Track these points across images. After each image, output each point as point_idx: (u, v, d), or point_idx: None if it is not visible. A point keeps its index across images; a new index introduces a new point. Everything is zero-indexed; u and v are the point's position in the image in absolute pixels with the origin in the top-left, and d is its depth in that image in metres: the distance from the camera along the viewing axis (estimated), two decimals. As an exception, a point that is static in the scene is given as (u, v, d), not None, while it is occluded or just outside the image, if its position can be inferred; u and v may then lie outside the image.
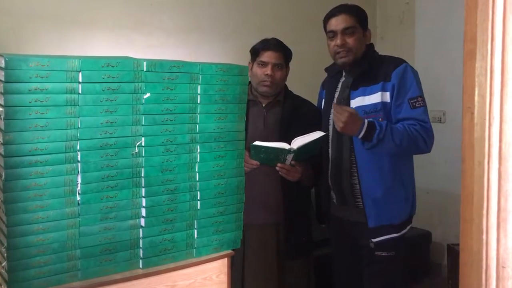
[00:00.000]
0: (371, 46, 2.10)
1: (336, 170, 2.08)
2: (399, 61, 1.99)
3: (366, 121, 1.88)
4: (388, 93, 1.95)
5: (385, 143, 1.87)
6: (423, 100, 1.95)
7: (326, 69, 2.24)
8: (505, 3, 0.81)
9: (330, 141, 2.10)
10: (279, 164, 1.96)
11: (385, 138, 1.87)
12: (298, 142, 1.90)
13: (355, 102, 2.00)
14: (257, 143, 1.89)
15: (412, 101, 1.92)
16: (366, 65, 2.01)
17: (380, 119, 1.94)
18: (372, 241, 2.01)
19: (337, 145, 2.07)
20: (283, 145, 1.91)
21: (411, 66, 2.00)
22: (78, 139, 1.23)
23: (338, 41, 2.00)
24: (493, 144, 0.82)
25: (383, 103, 1.95)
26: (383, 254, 2.01)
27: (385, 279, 2.06)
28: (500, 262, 0.82)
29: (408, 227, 2.08)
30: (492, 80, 0.83)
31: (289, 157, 1.93)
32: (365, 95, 1.98)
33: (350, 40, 2.00)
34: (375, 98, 1.96)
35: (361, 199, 2.01)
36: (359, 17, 2.03)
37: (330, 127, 2.10)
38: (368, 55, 2.06)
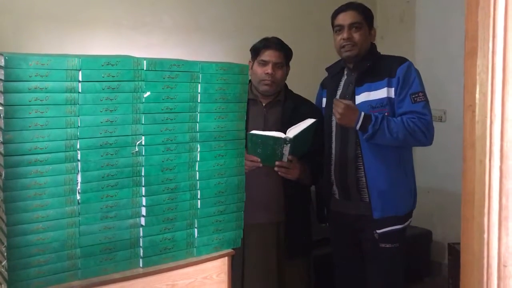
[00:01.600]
0: (374, 46, 2.17)
1: (341, 165, 2.10)
2: (403, 59, 2.07)
3: (362, 112, 1.96)
4: (393, 89, 2.02)
5: (381, 134, 1.94)
6: (424, 95, 2.01)
7: (327, 69, 2.26)
8: (507, 0, 0.81)
9: (333, 137, 2.13)
10: (277, 163, 1.98)
11: (380, 129, 1.94)
12: (293, 131, 1.94)
13: (360, 98, 2.04)
14: (254, 132, 1.90)
15: (413, 96, 1.99)
16: (371, 61, 2.06)
17: (386, 113, 2.00)
18: (376, 232, 2.04)
19: (341, 140, 2.10)
20: (279, 134, 1.94)
21: (413, 65, 2.07)
22: (78, 138, 1.23)
23: (344, 34, 2.06)
24: (494, 142, 0.82)
25: (389, 98, 2.01)
26: (388, 246, 2.05)
27: (390, 270, 2.10)
28: (502, 261, 0.82)
29: (410, 220, 2.13)
30: (493, 78, 0.82)
31: (286, 150, 1.94)
32: (370, 91, 2.04)
33: (356, 35, 2.06)
34: (381, 93, 2.02)
35: (366, 193, 2.05)
36: (366, 14, 2.11)
37: (333, 123, 2.13)
38: (372, 53, 2.12)
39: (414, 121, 1.95)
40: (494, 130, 0.82)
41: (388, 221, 2.04)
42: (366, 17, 2.09)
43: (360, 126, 1.95)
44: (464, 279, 0.88)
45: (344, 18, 2.07)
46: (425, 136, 1.97)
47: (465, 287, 0.87)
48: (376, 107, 2.01)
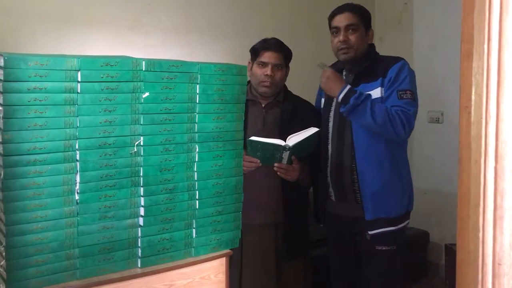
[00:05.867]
0: (373, 46, 2.16)
1: (337, 166, 2.10)
2: (398, 59, 2.06)
3: (349, 85, 1.96)
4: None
5: (361, 110, 1.92)
6: (413, 94, 1.99)
7: None
8: (502, 3, 0.82)
9: (330, 138, 2.12)
10: (276, 164, 1.98)
11: (362, 105, 1.92)
12: (293, 139, 1.94)
13: None
14: (253, 138, 1.91)
15: (400, 93, 1.97)
16: (367, 63, 2.05)
17: None
18: (368, 233, 2.02)
19: (337, 141, 2.10)
20: (279, 142, 1.94)
21: (409, 65, 2.06)
22: (76, 138, 1.23)
23: (340, 37, 2.06)
24: (489, 142, 0.83)
25: (382, 99, 2.00)
26: (384, 249, 2.03)
27: (386, 273, 2.07)
28: (496, 260, 0.83)
29: (406, 222, 2.10)
30: (488, 80, 0.83)
31: (285, 155, 1.94)
32: (365, 91, 2.02)
33: (352, 37, 2.06)
34: (375, 93, 2.01)
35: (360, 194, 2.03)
36: (362, 16, 2.10)
37: (330, 125, 2.13)
38: (370, 54, 2.11)
39: (397, 111, 1.93)
40: (489, 131, 0.83)
41: (380, 223, 2.02)
42: (363, 18, 2.09)
43: (343, 97, 1.93)
44: (460, 277, 0.89)
45: (340, 20, 2.06)
46: (404, 128, 1.93)
47: (461, 285, 0.88)
48: None
